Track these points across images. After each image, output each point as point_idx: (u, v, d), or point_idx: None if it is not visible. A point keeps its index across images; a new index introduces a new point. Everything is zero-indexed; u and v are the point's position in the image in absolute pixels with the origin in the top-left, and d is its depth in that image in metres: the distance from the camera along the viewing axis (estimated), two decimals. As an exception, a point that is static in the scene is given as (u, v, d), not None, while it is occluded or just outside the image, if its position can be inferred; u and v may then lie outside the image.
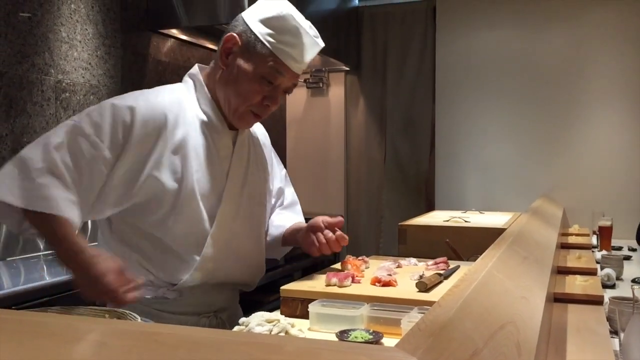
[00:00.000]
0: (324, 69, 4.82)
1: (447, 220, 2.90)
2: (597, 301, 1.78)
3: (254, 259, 1.66)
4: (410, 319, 1.25)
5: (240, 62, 1.51)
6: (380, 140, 4.93)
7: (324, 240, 1.66)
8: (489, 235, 1.92)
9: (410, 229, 2.65)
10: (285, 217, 1.83)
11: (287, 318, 1.37)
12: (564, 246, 2.86)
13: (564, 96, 4.35)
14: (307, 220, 1.80)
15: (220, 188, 1.55)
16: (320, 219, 1.69)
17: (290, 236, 1.79)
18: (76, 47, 2.92)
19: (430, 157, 4.76)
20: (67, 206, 1.34)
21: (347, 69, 4.83)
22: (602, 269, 2.33)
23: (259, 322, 1.31)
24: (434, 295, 1.49)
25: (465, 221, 2.88)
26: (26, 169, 1.33)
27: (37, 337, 0.65)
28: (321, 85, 4.97)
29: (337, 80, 5.01)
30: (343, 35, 4.67)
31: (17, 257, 2.58)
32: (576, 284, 1.94)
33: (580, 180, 4.29)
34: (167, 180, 1.46)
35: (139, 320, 1.18)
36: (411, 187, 4.83)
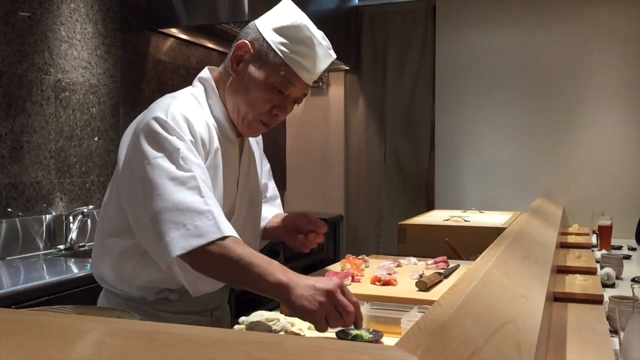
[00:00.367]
0: (323, 68, 4.81)
1: (447, 220, 2.90)
2: (596, 300, 1.78)
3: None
4: (410, 318, 1.25)
5: (252, 70, 1.48)
6: (380, 140, 4.93)
7: (303, 241, 1.64)
8: (489, 235, 1.92)
9: (410, 228, 2.65)
10: (266, 211, 1.82)
11: (287, 317, 1.37)
12: (564, 245, 2.86)
13: (564, 95, 4.36)
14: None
15: (233, 195, 1.55)
16: (294, 220, 1.64)
17: (273, 231, 1.78)
18: (76, 46, 2.92)
19: (430, 156, 4.76)
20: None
21: (347, 68, 4.83)
22: (601, 268, 2.33)
23: (259, 321, 1.31)
24: (434, 294, 1.49)
25: (465, 220, 2.88)
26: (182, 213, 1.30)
27: (37, 336, 0.65)
28: (321, 85, 4.97)
29: (336, 80, 5.01)
30: (343, 34, 4.67)
31: (17, 257, 2.58)
32: (576, 283, 1.94)
33: (580, 179, 4.29)
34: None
35: (138, 319, 1.18)
36: (411, 187, 4.83)
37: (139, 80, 3.32)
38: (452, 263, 1.88)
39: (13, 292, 1.96)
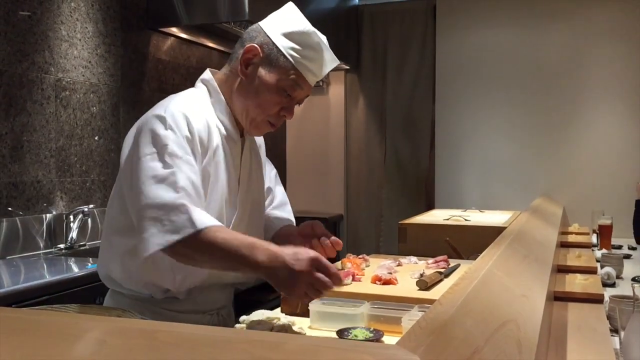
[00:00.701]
0: (324, 67, 4.81)
1: (447, 219, 2.90)
2: (597, 300, 1.78)
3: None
4: (410, 317, 1.26)
5: (262, 73, 1.52)
6: (380, 139, 4.93)
7: (320, 246, 1.65)
8: (489, 234, 1.92)
9: (410, 228, 2.65)
10: (275, 219, 1.82)
11: (288, 316, 1.37)
12: (564, 245, 2.86)
13: (564, 95, 4.36)
14: (308, 218, 1.79)
15: (235, 195, 1.56)
16: (311, 225, 1.65)
17: (283, 239, 1.77)
18: (76, 46, 2.92)
19: (430, 155, 4.76)
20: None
21: (347, 67, 4.83)
22: (602, 267, 2.33)
23: (260, 320, 1.31)
24: (435, 293, 1.49)
25: (466, 220, 2.88)
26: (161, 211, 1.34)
27: (37, 335, 0.65)
28: (321, 84, 4.97)
29: (337, 79, 5.00)
30: (343, 34, 4.67)
31: (17, 256, 2.58)
32: (576, 283, 1.94)
33: (580, 179, 4.29)
34: (206, 185, 1.47)
35: (139, 318, 1.18)
36: (411, 186, 4.83)
37: (140, 80, 3.32)
38: (453, 262, 1.88)
39: (13, 291, 1.96)
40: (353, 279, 1.62)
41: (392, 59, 4.84)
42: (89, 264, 2.38)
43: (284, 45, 1.51)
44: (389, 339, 1.28)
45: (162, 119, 1.41)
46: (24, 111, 2.65)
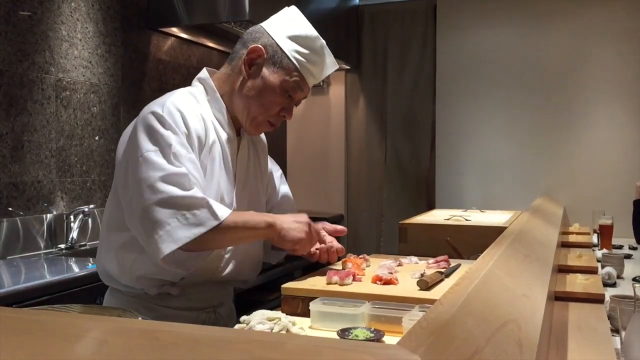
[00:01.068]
0: (324, 67, 4.81)
1: (448, 219, 2.90)
2: (598, 300, 1.78)
3: (253, 258, 1.68)
4: (411, 317, 1.25)
5: (266, 74, 1.56)
6: (380, 139, 4.93)
7: (324, 249, 1.71)
8: (490, 234, 1.92)
9: (411, 228, 2.65)
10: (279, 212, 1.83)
11: (288, 316, 1.37)
12: (565, 245, 2.86)
13: (565, 95, 4.35)
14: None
15: (231, 191, 1.58)
16: (320, 226, 1.72)
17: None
18: (76, 46, 2.92)
19: (430, 155, 4.76)
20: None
21: (348, 67, 4.83)
22: (602, 267, 2.33)
23: (260, 320, 1.31)
24: (435, 293, 1.49)
25: (466, 220, 2.88)
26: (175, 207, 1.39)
27: (38, 335, 0.65)
28: (321, 84, 4.97)
29: (337, 79, 5.00)
30: (343, 34, 4.66)
31: (18, 256, 2.58)
32: (577, 283, 1.94)
33: (581, 178, 4.29)
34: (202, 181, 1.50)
35: (140, 319, 1.18)
36: (412, 186, 4.83)
37: (140, 80, 3.32)
38: (453, 262, 1.88)
39: (14, 292, 1.96)
40: (354, 279, 1.62)
41: (392, 59, 4.84)
42: (90, 264, 2.38)
43: (289, 47, 1.55)
44: (390, 339, 1.28)
45: (158, 117, 1.43)
46: (24, 111, 2.65)
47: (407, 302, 1.40)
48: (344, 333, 1.27)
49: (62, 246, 2.78)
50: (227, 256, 1.58)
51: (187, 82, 1.66)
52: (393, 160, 4.88)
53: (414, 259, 1.95)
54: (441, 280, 1.63)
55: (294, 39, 1.56)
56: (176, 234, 1.36)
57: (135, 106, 3.23)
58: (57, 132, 2.82)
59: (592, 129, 4.32)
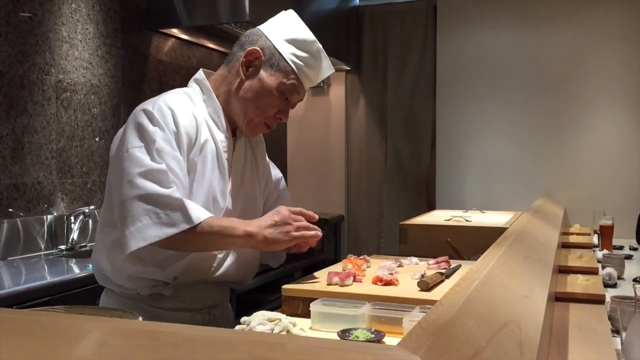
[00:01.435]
0: (324, 68, 4.81)
1: (448, 220, 2.90)
2: (598, 300, 1.78)
3: (248, 259, 1.67)
4: (412, 318, 1.25)
5: (263, 76, 1.57)
6: (380, 140, 4.93)
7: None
8: (490, 235, 1.92)
9: (411, 229, 2.65)
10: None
11: (289, 317, 1.37)
12: (565, 246, 2.86)
13: (565, 95, 4.35)
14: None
15: (225, 190, 1.58)
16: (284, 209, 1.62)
17: None
18: (77, 47, 2.92)
19: (431, 156, 4.76)
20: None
21: (348, 68, 4.83)
22: (603, 268, 2.33)
23: (261, 321, 1.31)
24: (436, 294, 1.49)
25: (467, 220, 2.88)
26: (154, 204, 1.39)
27: (38, 336, 0.65)
28: (322, 85, 4.97)
29: (337, 80, 5.00)
30: (343, 34, 4.67)
31: (18, 257, 2.58)
32: (578, 283, 1.94)
33: (581, 179, 4.29)
34: (192, 179, 1.51)
35: (140, 319, 1.18)
36: (412, 187, 4.83)
37: (140, 81, 3.32)
38: (454, 263, 1.88)
39: (14, 293, 1.96)
40: (354, 280, 1.62)
41: (392, 60, 4.84)
42: (90, 265, 2.38)
43: (286, 50, 1.57)
44: (390, 340, 1.28)
45: (149, 114, 1.47)
46: (24, 112, 2.65)
47: (407, 303, 1.40)
48: (344, 334, 1.27)
49: (63, 247, 2.78)
50: (220, 256, 1.57)
51: (187, 83, 1.67)
52: (393, 160, 4.88)
53: (415, 259, 1.95)
54: (442, 281, 1.63)
55: (291, 42, 1.57)
56: (147, 231, 1.37)
57: (136, 107, 3.23)
58: (58, 133, 2.82)
59: (592, 130, 4.32)
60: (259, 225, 1.48)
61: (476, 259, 1.43)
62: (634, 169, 4.17)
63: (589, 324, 1.53)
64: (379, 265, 1.78)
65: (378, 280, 1.59)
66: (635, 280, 2.29)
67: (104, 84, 3.09)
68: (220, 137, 1.59)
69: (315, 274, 1.74)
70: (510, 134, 4.48)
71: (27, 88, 2.66)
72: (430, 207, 4.52)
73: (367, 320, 1.37)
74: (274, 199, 1.84)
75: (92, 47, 3.02)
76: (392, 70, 4.84)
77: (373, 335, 1.27)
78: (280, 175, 1.90)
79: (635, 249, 3.19)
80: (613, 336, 1.44)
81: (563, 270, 2.18)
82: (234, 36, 3.36)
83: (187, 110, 1.52)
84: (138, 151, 1.42)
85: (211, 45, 3.83)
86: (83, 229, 2.87)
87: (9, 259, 2.53)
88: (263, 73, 1.57)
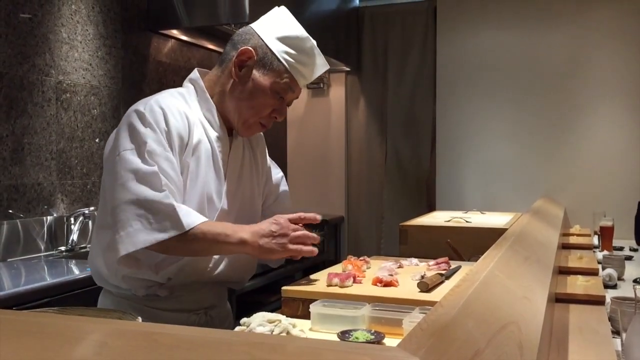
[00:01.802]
0: (324, 69, 4.81)
1: (448, 221, 2.90)
2: (598, 301, 1.78)
3: (245, 259, 1.66)
4: (411, 319, 1.25)
5: (256, 76, 1.56)
6: (381, 141, 4.93)
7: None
8: (490, 236, 1.92)
9: (411, 229, 2.65)
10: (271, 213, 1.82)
11: (289, 318, 1.37)
12: (565, 246, 2.86)
13: (565, 96, 4.35)
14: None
15: (220, 191, 1.57)
16: (296, 217, 1.56)
17: None
18: (77, 48, 2.92)
19: (431, 157, 4.76)
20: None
21: (348, 69, 4.83)
22: (603, 269, 2.33)
23: (261, 322, 1.31)
24: (436, 295, 1.49)
25: (467, 221, 2.88)
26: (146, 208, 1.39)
27: (38, 338, 0.65)
28: (322, 86, 4.97)
29: (337, 81, 5.01)
30: (343, 35, 4.67)
31: (18, 258, 2.58)
32: (578, 284, 1.94)
33: (582, 180, 4.29)
34: (185, 179, 1.51)
35: (140, 320, 1.18)
36: (412, 188, 4.83)
37: (140, 82, 3.32)
38: (454, 264, 1.87)
39: (14, 294, 1.96)
40: (354, 281, 1.62)
41: (392, 61, 4.84)
42: (89, 267, 2.37)
43: (279, 49, 1.55)
44: (390, 341, 1.28)
45: (140, 115, 1.45)
46: (24, 114, 2.65)
47: (407, 304, 1.40)
48: (344, 335, 1.27)
49: (63, 248, 2.78)
50: (216, 257, 1.56)
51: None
52: (393, 161, 4.88)
53: (415, 260, 1.95)
54: (441, 282, 1.62)
55: (283, 40, 1.55)
56: (136, 236, 1.38)
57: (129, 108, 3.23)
58: (58, 134, 2.82)
59: (592, 130, 4.32)
60: (254, 232, 1.46)
61: (476, 260, 1.43)
62: (634, 169, 4.17)
63: (589, 325, 1.53)
64: (378, 266, 1.78)
65: (378, 281, 1.59)
66: (635, 281, 2.29)
67: (103, 85, 3.09)
68: (215, 137, 1.57)
69: (315, 275, 1.74)
70: (510, 134, 4.48)
71: (27, 89, 2.66)
72: (430, 208, 4.52)
73: (367, 321, 1.37)
74: (273, 199, 1.83)
75: (92, 48, 3.02)
76: (392, 70, 4.84)
77: (373, 337, 1.27)
78: (282, 175, 1.88)
79: (635, 250, 3.19)
80: (613, 337, 1.44)
81: (563, 271, 2.18)
82: (234, 37, 3.37)
83: (179, 110, 1.51)
84: (130, 154, 1.42)
85: (211, 46, 3.83)
86: (83, 230, 2.87)
87: (9, 260, 2.53)
88: (256, 73, 1.55)
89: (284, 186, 1.88)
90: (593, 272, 2.18)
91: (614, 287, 2.22)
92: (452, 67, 4.61)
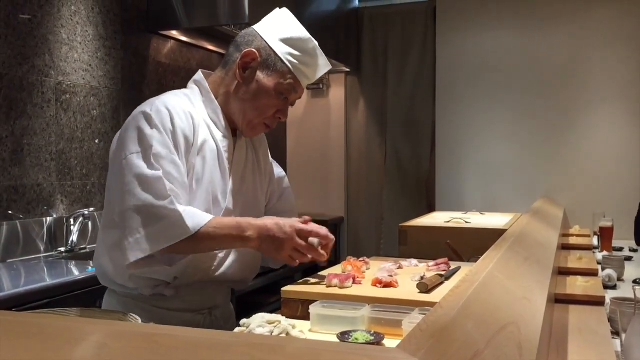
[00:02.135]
0: (324, 70, 4.81)
1: (448, 221, 2.90)
2: (598, 302, 1.78)
3: (249, 258, 1.67)
4: (411, 320, 1.25)
5: (260, 77, 1.58)
6: (380, 142, 4.93)
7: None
8: (490, 236, 1.92)
9: (411, 230, 2.65)
10: (276, 213, 1.83)
11: (288, 319, 1.37)
12: (565, 247, 2.86)
13: (565, 97, 4.36)
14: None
15: (225, 190, 1.59)
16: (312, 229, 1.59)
17: None
18: (76, 49, 2.92)
19: (430, 158, 4.76)
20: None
21: (348, 70, 4.83)
22: (603, 269, 2.33)
23: (260, 323, 1.31)
24: (435, 296, 1.49)
25: (466, 222, 2.88)
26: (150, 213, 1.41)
27: (37, 339, 0.65)
28: (321, 87, 4.97)
29: (337, 82, 5.01)
30: (343, 36, 4.67)
31: (18, 259, 2.58)
32: (577, 285, 1.94)
33: (581, 181, 4.29)
34: (191, 180, 1.52)
35: (140, 322, 1.18)
36: (412, 188, 4.83)
37: (140, 83, 3.32)
38: (454, 265, 1.87)
39: (14, 295, 1.96)
40: (354, 282, 1.62)
41: (392, 61, 4.85)
42: (90, 267, 2.38)
43: (282, 50, 1.57)
44: (390, 342, 1.28)
45: (147, 116, 1.47)
46: (24, 114, 2.65)
47: (407, 305, 1.40)
48: (343, 336, 1.27)
49: (62, 249, 2.78)
50: (221, 256, 1.58)
51: (186, 85, 1.68)
52: (393, 162, 4.88)
53: (414, 261, 1.95)
54: (441, 283, 1.62)
55: (286, 41, 1.57)
56: (144, 243, 1.40)
57: (135, 109, 3.23)
58: (57, 135, 2.82)
59: (592, 131, 4.32)
60: (262, 227, 1.49)
61: (476, 261, 1.43)
62: (634, 170, 4.18)
63: (589, 326, 1.53)
64: (378, 267, 1.78)
65: (377, 282, 1.59)
66: (635, 281, 2.29)
67: (103, 86, 3.09)
68: (220, 137, 1.59)
69: (315, 276, 1.74)
70: (510, 135, 4.49)
71: (27, 90, 2.66)
72: (430, 208, 4.52)
73: (367, 322, 1.37)
74: (277, 198, 1.84)
75: (92, 49, 3.02)
76: (392, 71, 4.85)
77: (372, 338, 1.27)
78: (284, 173, 1.90)
79: (635, 251, 3.19)
80: (613, 338, 1.44)
81: (563, 272, 2.18)
82: (233, 38, 3.36)
83: (185, 111, 1.52)
84: (136, 157, 1.43)
85: (211, 47, 3.83)
86: (83, 231, 2.87)
87: (9, 261, 2.53)
88: (260, 74, 1.57)
89: (287, 185, 1.90)
90: (593, 273, 2.18)
91: (614, 287, 2.22)
92: (451, 68, 4.61)
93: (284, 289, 1.58)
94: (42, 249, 2.71)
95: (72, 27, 2.90)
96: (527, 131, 4.44)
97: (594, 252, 2.82)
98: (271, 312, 1.47)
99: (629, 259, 2.83)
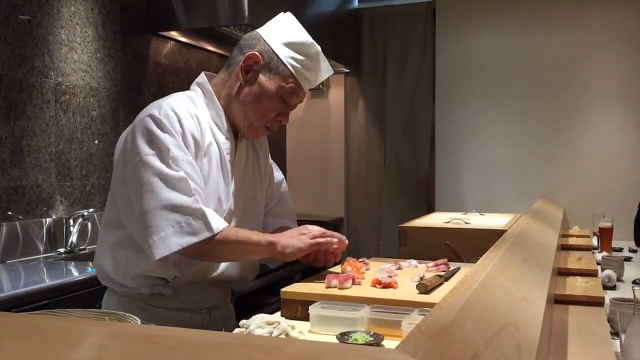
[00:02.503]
0: (323, 70, 4.81)
1: (448, 222, 2.90)
2: (597, 302, 1.78)
3: (248, 259, 1.67)
4: (411, 321, 1.25)
5: (262, 80, 1.59)
6: (380, 142, 4.93)
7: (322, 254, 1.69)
8: (490, 237, 1.92)
9: (410, 231, 2.65)
10: (274, 219, 1.84)
11: (288, 320, 1.37)
12: (565, 248, 2.86)
13: (564, 97, 4.36)
14: (308, 222, 1.78)
15: (227, 192, 1.60)
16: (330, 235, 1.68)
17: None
18: (76, 50, 2.92)
19: (430, 158, 4.76)
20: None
21: (347, 70, 4.83)
22: (602, 270, 2.33)
23: (260, 324, 1.31)
24: (435, 297, 1.49)
25: (466, 223, 2.88)
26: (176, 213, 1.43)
27: (37, 340, 0.65)
28: (321, 87, 4.97)
29: (337, 82, 5.01)
30: (343, 37, 4.67)
31: (17, 260, 2.58)
32: (577, 286, 1.94)
33: (581, 181, 4.29)
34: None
35: (139, 322, 1.17)
36: (411, 189, 4.83)
37: (139, 83, 3.32)
38: (453, 265, 1.87)
39: (14, 296, 1.96)
40: (353, 283, 1.62)
41: (392, 62, 4.85)
42: (89, 268, 2.38)
43: (285, 54, 1.58)
44: (389, 343, 1.28)
45: (156, 120, 1.46)
46: (23, 115, 2.65)
47: (406, 306, 1.40)
48: (343, 337, 1.27)
49: (62, 250, 2.78)
50: None
51: (186, 86, 1.68)
52: (393, 163, 4.88)
53: (414, 262, 1.95)
54: (441, 284, 1.62)
55: (289, 45, 1.59)
56: (169, 240, 1.40)
57: (135, 110, 3.22)
58: (57, 136, 2.82)
59: (591, 132, 4.32)
60: (279, 235, 1.59)
61: (475, 262, 1.43)
62: (634, 170, 4.18)
63: (588, 327, 1.53)
64: (378, 268, 1.78)
65: (377, 283, 1.59)
66: (634, 282, 2.30)
67: (103, 86, 3.09)
68: (223, 139, 1.60)
69: (315, 276, 1.74)
70: (509, 135, 4.49)
71: (26, 91, 2.66)
72: (430, 209, 4.52)
73: (366, 323, 1.37)
74: (276, 201, 1.85)
75: (91, 49, 3.02)
76: (392, 72, 4.85)
77: (372, 338, 1.27)
78: (282, 177, 1.91)
79: (634, 251, 3.19)
80: (612, 338, 1.44)
81: (562, 273, 2.18)
82: (233, 39, 3.37)
83: (191, 113, 1.53)
84: (152, 159, 1.43)
85: (210, 48, 3.83)
86: (82, 232, 2.87)
87: (8, 262, 2.53)
88: (262, 77, 1.58)
89: (285, 189, 1.91)
90: (592, 273, 2.18)
91: (613, 288, 2.22)
92: (451, 68, 4.61)
93: (283, 289, 1.58)
94: (41, 249, 2.71)
95: (72, 28, 2.90)
96: (527, 131, 4.44)
97: (593, 253, 2.82)
98: (271, 312, 1.47)
99: (628, 259, 2.83)
